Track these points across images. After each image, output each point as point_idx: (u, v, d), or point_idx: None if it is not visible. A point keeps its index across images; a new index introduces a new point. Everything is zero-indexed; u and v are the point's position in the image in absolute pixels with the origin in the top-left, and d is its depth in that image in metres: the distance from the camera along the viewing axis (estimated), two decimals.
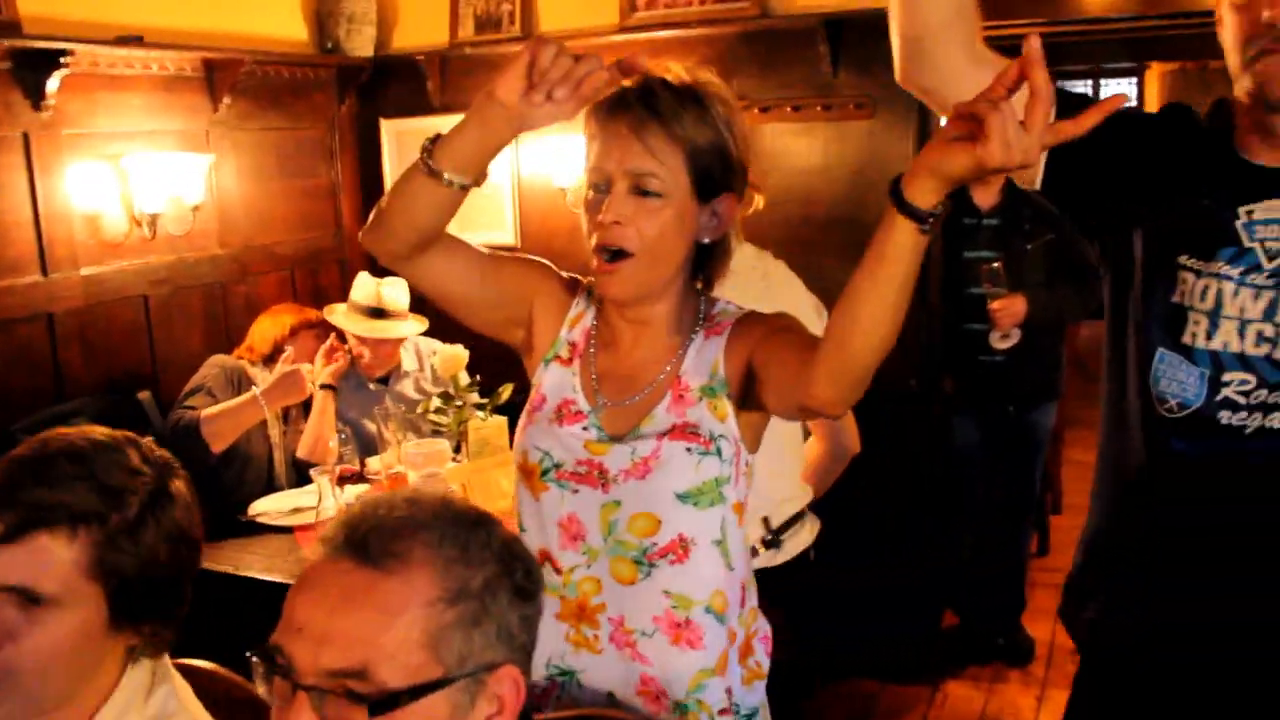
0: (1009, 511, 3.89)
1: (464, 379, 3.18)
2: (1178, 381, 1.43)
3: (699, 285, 1.60)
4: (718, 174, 1.49)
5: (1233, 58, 1.39)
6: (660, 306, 1.55)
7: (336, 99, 4.47)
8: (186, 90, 3.77)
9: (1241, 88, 1.39)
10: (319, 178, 4.43)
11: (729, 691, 1.55)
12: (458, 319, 1.63)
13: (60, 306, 3.34)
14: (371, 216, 1.49)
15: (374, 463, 3.20)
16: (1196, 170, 1.45)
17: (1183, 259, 1.43)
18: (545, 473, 1.55)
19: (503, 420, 3.10)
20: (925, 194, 1.17)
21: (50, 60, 3.17)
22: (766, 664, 1.63)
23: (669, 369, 1.54)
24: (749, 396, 1.50)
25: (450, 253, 1.54)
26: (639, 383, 1.56)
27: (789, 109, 3.74)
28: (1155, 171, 1.46)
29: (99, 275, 3.47)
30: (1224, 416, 1.40)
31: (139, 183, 3.49)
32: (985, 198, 3.66)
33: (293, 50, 4.26)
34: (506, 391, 3.07)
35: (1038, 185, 1.48)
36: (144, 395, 3.50)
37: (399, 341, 3.53)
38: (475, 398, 3.13)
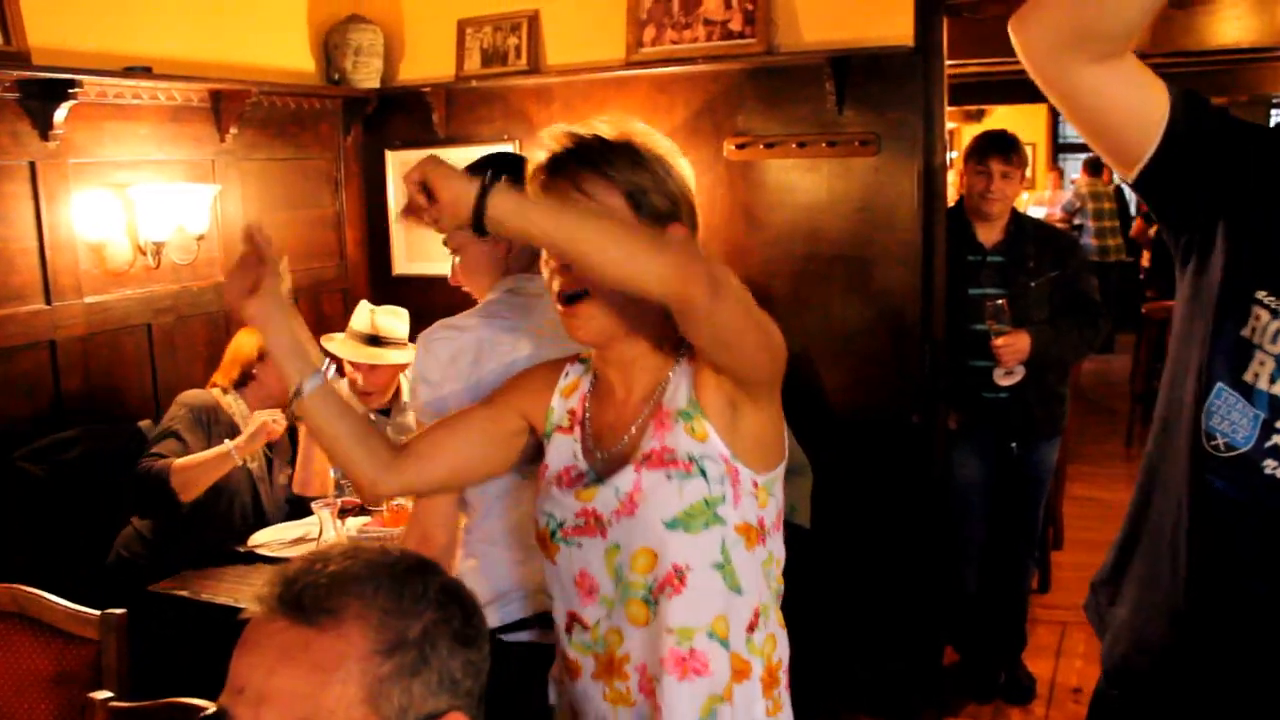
0: (1011, 548, 3.88)
1: None
2: (1230, 421, 1.38)
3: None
4: (662, 208, 1.55)
5: None
6: (638, 342, 1.58)
7: (342, 130, 4.49)
8: (193, 120, 3.78)
9: None
10: (324, 208, 4.45)
11: None
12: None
13: (63, 334, 3.34)
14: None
15: None
16: None
17: (1260, 294, 1.37)
18: (553, 534, 1.59)
19: None
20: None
21: (58, 90, 3.18)
22: (787, 697, 1.62)
23: (655, 400, 1.57)
24: (736, 403, 1.52)
25: (423, 456, 1.69)
26: (629, 423, 1.59)
27: (794, 145, 3.75)
28: (1254, 193, 1.39)
29: (103, 303, 3.47)
30: (1269, 466, 1.35)
31: (144, 212, 3.50)
32: (989, 234, 3.68)
33: (299, 81, 4.28)
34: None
35: (1133, 177, 1.41)
36: (145, 424, 3.49)
37: (395, 370, 3.54)
38: None
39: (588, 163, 1.53)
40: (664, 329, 1.58)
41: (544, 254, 1.58)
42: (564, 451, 1.64)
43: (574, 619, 1.59)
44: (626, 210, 1.53)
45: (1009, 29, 1.37)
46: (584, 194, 1.52)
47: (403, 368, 3.56)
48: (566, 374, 1.71)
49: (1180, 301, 1.51)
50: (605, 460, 1.59)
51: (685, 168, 1.61)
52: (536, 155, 1.59)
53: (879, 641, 3.83)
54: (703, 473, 1.50)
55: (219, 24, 3.90)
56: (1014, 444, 3.74)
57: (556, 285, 1.54)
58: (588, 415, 1.65)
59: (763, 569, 1.58)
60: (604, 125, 1.58)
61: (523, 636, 1.96)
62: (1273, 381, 1.35)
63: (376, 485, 1.66)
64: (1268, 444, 1.35)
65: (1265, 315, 1.36)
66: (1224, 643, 1.43)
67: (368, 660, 0.97)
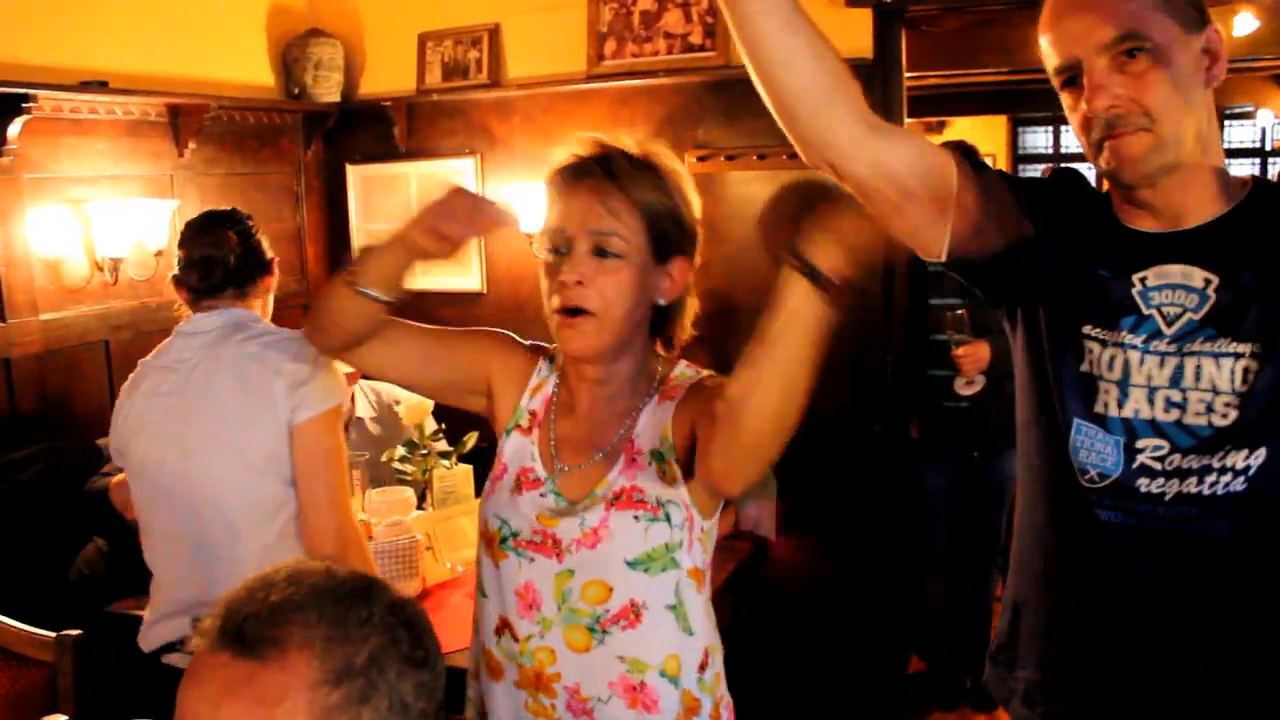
0: (974, 555, 3.90)
1: (429, 427, 3.16)
2: (1096, 451, 1.43)
3: (659, 350, 1.65)
4: (673, 237, 1.55)
5: (1085, 149, 1.41)
6: (618, 366, 1.59)
7: (303, 145, 4.46)
8: (151, 135, 3.75)
9: (1101, 173, 1.42)
10: (285, 223, 4.42)
11: None
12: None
13: (18, 352, 3.30)
14: (308, 315, 1.65)
15: None
16: (1087, 240, 1.47)
17: (1087, 329, 1.44)
18: (504, 541, 1.58)
19: (468, 469, 3.08)
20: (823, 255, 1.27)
21: (12, 105, 3.14)
22: None
23: (623, 431, 1.57)
24: (692, 465, 1.51)
25: (390, 341, 1.63)
26: (595, 445, 1.59)
27: (754, 157, 3.77)
28: (1048, 243, 1.47)
29: (60, 320, 3.42)
30: (1142, 484, 1.40)
31: (101, 228, 3.46)
32: None
33: (259, 96, 4.26)
34: (472, 440, 3.05)
35: (943, 258, 1.47)
36: (104, 441, 3.44)
37: (350, 378, 3.50)
38: (441, 446, 3.11)
39: (611, 175, 1.52)
40: (644, 362, 1.61)
41: (545, 260, 1.55)
42: (521, 452, 1.63)
43: (506, 624, 1.58)
44: (642, 233, 1.52)
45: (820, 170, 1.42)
46: (605, 208, 1.50)
47: (355, 377, 3.53)
48: (539, 371, 1.69)
49: (1017, 353, 1.56)
50: (564, 475, 1.59)
51: (696, 197, 1.61)
52: (559, 156, 1.58)
53: (844, 650, 3.83)
54: (667, 517, 1.52)
55: (177, 38, 3.87)
56: (976, 453, 3.76)
57: (558, 302, 1.52)
58: (553, 421, 1.64)
59: (706, 610, 1.60)
60: (631, 141, 1.57)
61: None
62: (1120, 406, 1.41)
63: (335, 354, 1.74)
64: (1134, 464, 1.40)
65: (1097, 347, 1.43)
66: (1136, 671, 1.45)
67: (314, 691, 0.95)
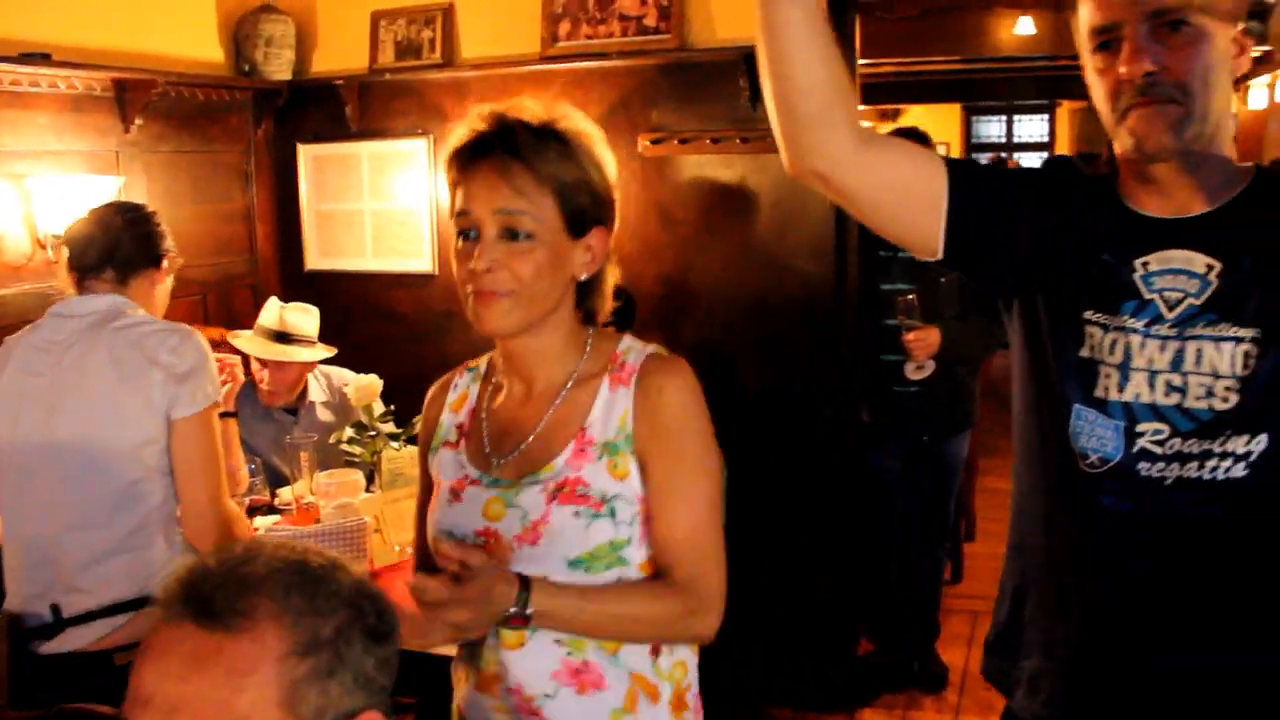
0: (924, 539, 3.94)
1: (378, 409, 3.13)
2: (1097, 436, 1.43)
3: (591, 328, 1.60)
4: (588, 209, 1.50)
5: (1106, 117, 1.42)
6: (544, 341, 1.53)
7: (253, 122, 4.40)
8: (96, 110, 3.68)
9: (1120, 144, 1.42)
10: (233, 202, 4.35)
11: None
12: None
13: None
14: None
15: (285, 493, 3.14)
16: (1089, 225, 1.48)
17: (1088, 314, 1.45)
18: None
19: (416, 451, 3.06)
20: None
21: None
22: None
23: (556, 406, 1.53)
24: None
25: None
26: (529, 425, 1.54)
27: (708, 141, 3.76)
28: (1049, 232, 1.48)
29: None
30: (1143, 468, 1.40)
31: (43, 204, 3.38)
32: None
33: (208, 72, 4.18)
34: (420, 422, 3.03)
35: (939, 256, 1.49)
36: None
37: (302, 368, 3.49)
38: (389, 428, 3.09)
39: (513, 151, 1.45)
40: (570, 332, 1.56)
41: (455, 244, 1.49)
42: (450, 465, 1.59)
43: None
44: (554, 210, 1.46)
45: (802, 179, 1.46)
46: (511, 188, 1.44)
47: (311, 366, 3.52)
48: (455, 387, 1.66)
49: (1015, 341, 1.57)
50: (503, 465, 1.54)
51: (609, 157, 1.54)
52: (457, 134, 1.50)
53: (796, 635, 3.86)
54: (611, 513, 1.47)
55: (123, 11, 3.79)
56: (925, 437, 3.80)
57: (473, 287, 1.46)
58: (484, 420, 1.59)
59: None
60: (532, 105, 1.50)
61: None
62: (1121, 390, 1.42)
63: None
64: (1135, 448, 1.41)
65: (1098, 332, 1.44)
66: (1139, 656, 1.45)
67: (283, 662, 0.95)
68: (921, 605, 3.99)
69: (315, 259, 4.50)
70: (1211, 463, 1.38)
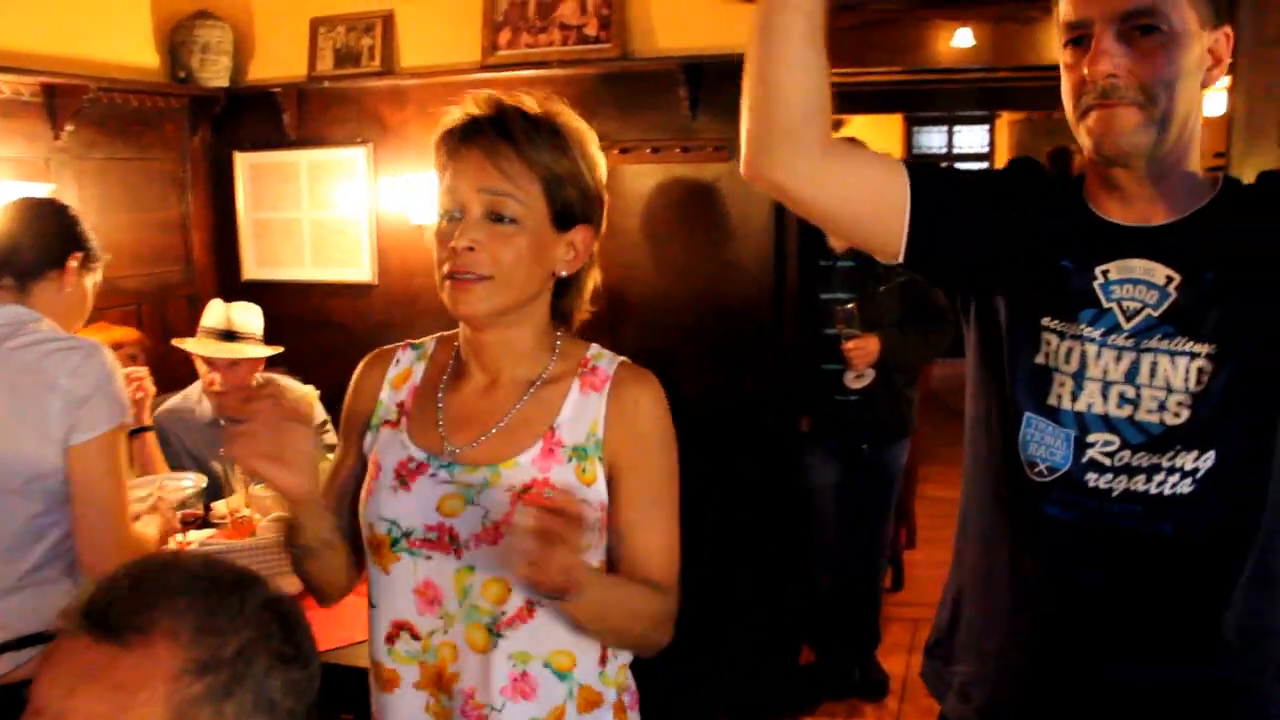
0: (864, 547, 3.96)
1: (316, 418, 3.10)
2: (1046, 445, 1.42)
3: (561, 328, 1.58)
4: (576, 204, 1.48)
5: (1069, 114, 1.40)
6: (516, 333, 1.51)
7: (189, 130, 4.34)
8: (24, 115, 3.61)
9: (1081, 143, 1.41)
10: (169, 210, 4.29)
11: None
12: None
13: None
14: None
15: (220, 506, 3.09)
16: (1051, 228, 1.46)
17: (1045, 320, 1.44)
18: (395, 543, 1.48)
19: None
20: None
21: None
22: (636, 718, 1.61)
23: (536, 412, 1.50)
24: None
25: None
26: (492, 418, 1.51)
27: (648, 151, 3.78)
28: (1006, 232, 1.47)
29: None
30: (1091, 479, 1.40)
31: None
32: (840, 241, 3.76)
33: (142, 78, 4.12)
34: (351, 394, 3.00)
35: (900, 260, 1.48)
36: None
37: (252, 366, 3.43)
38: (329, 439, 3.05)
39: (507, 136, 1.42)
40: (543, 333, 1.54)
41: (437, 226, 1.47)
42: (393, 446, 1.53)
43: (401, 628, 1.51)
44: (540, 198, 1.44)
45: (757, 184, 1.46)
46: (499, 170, 1.41)
47: (260, 363, 3.46)
48: (397, 362, 1.61)
49: (970, 346, 1.57)
50: (457, 455, 1.49)
51: (601, 160, 1.52)
52: (450, 116, 1.47)
53: (736, 643, 3.86)
54: None
55: (54, 13, 3.72)
56: (865, 445, 3.82)
57: (448, 268, 1.43)
58: (441, 403, 1.54)
59: None
60: (531, 100, 1.47)
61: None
62: (1074, 399, 1.41)
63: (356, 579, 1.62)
64: (1084, 459, 1.40)
65: (1054, 339, 1.43)
66: (1075, 667, 1.45)
67: (176, 680, 0.92)
68: (862, 613, 4.01)
69: (253, 268, 4.45)
70: (1159, 477, 1.37)
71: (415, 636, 1.49)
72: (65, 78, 3.63)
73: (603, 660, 1.53)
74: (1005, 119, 12.19)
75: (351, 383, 1.64)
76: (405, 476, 1.50)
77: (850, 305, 3.55)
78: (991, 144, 12.52)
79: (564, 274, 1.52)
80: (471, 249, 1.41)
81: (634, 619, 1.47)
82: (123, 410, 2.19)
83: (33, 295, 2.25)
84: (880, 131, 11.29)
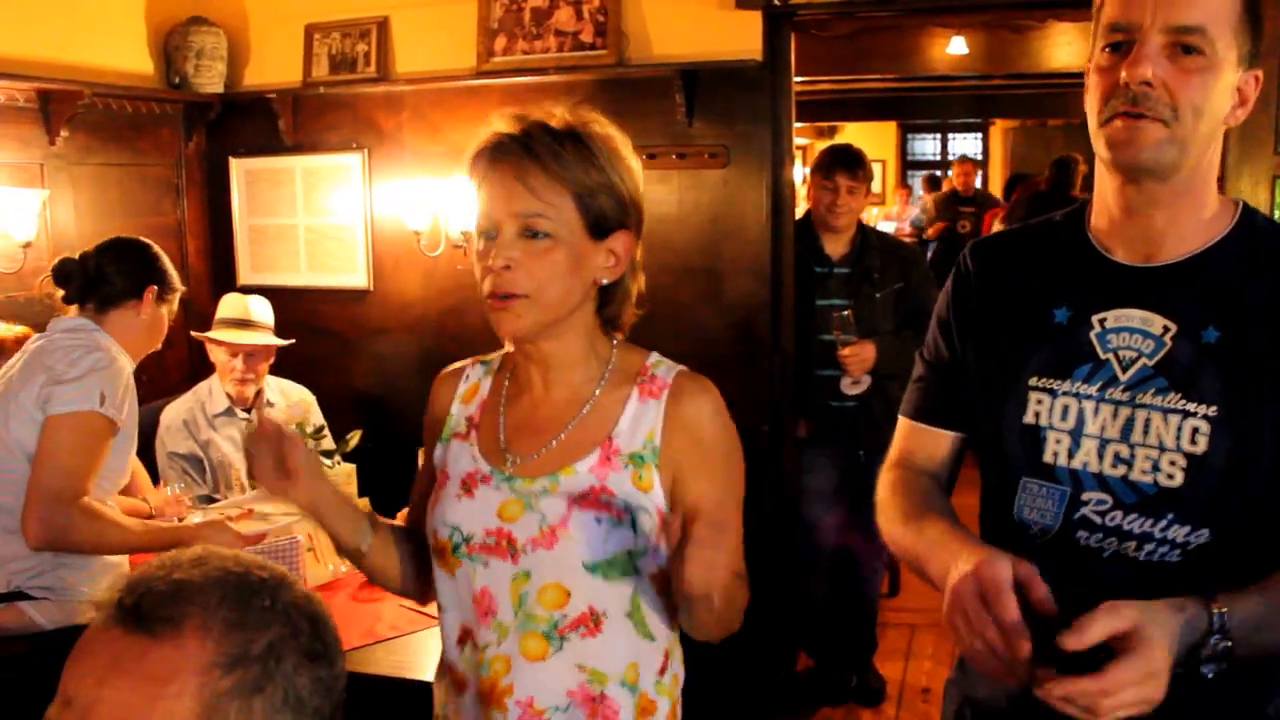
0: (860, 553, 3.96)
1: (313, 423, 3.09)
2: (1038, 509, 1.41)
3: (616, 336, 1.61)
4: (610, 211, 1.49)
5: (1091, 120, 1.37)
6: (563, 345, 1.53)
7: (184, 136, 4.33)
8: (20, 121, 3.61)
9: (1097, 150, 1.37)
10: (164, 216, 4.29)
11: None
12: None
13: None
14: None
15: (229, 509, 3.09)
16: (1047, 271, 1.45)
17: (1032, 380, 1.42)
18: (456, 548, 1.51)
19: (351, 468, 3.02)
20: None
21: None
22: None
23: (596, 421, 1.52)
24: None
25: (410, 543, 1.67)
26: (550, 430, 1.53)
27: (644, 157, 3.68)
28: (973, 303, 1.52)
29: None
30: (1081, 537, 1.38)
31: None
32: (836, 247, 3.76)
33: (137, 84, 4.12)
34: (355, 438, 3.00)
35: None
36: None
37: (267, 354, 3.44)
38: (326, 444, 3.05)
39: (533, 155, 1.44)
40: (592, 339, 1.55)
41: (476, 245, 1.50)
42: (462, 457, 1.56)
43: (468, 634, 1.53)
44: (573, 211, 1.45)
45: None
46: (527, 189, 1.43)
47: (273, 353, 3.48)
48: (466, 378, 1.64)
49: (979, 445, 1.57)
50: (518, 465, 1.51)
51: (635, 163, 1.54)
52: (481, 136, 1.49)
53: (733, 650, 3.85)
54: (634, 524, 1.46)
55: (49, 20, 3.73)
56: (861, 451, 3.82)
57: (488, 287, 1.46)
58: (502, 416, 1.57)
59: (667, 614, 1.56)
60: (559, 112, 1.49)
61: None
62: (1071, 456, 1.39)
63: (428, 594, 1.67)
64: (1076, 515, 1.39)
65: (1045, 397, 1.42)
66: None
67: (206, 674, 0.92)
68: (859, 619, 4.01)
69: (248, 274, 4.44)
70: (1149, 546, 1.35)
71: (475, 646, 1.51)
72: (60, 83, 3.63)
73: (661, 670, 1.55)
74: (999, 126, 12.23)
75: (430, 400, 1.69)
76: (469, 485, 1.53)
77: (846, 311, 3.55)
78: (985, 151, 12.57)
79: (606, 281, 1.53)
80: (508, 267, 1.44)
81: (737, 611, 1.55)
82: (104, 402, 2.41)
83: (109, 320, 2.59)
84: (875, 138, 11.33)
